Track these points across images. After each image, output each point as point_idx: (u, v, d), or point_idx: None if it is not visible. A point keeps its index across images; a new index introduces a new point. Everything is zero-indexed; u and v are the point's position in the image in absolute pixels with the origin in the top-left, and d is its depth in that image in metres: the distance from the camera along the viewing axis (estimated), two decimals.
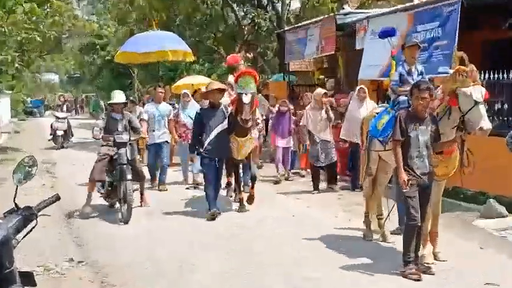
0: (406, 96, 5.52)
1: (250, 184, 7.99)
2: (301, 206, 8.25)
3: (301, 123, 9.52)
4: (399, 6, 10.99)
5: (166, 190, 9.54)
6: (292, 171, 10.87)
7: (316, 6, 17.81)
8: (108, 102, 8.24)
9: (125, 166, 7.21)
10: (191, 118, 8.89)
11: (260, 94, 13.11)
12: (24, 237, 2.51)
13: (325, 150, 9.13)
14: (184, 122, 9.85)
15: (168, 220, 7.37)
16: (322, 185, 9.44)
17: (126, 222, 7.03)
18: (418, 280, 4.84)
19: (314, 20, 13.80)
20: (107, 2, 27.90)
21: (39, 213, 2.56)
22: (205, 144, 7.49)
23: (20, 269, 2.41)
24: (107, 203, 7.87)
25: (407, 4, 10.63)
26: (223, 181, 8.42)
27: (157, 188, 9.60)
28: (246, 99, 7.20)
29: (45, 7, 15.91)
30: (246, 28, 21.58)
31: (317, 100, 9.22)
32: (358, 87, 9.04)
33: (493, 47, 9.51)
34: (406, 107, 5.39)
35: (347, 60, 12.89)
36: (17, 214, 2.45)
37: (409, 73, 5.76)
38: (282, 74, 16.85)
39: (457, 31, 8.15)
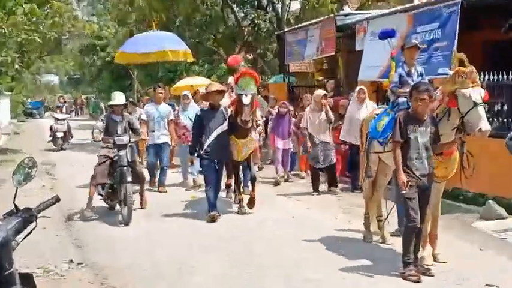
0: (405, 97, 5.52)
1: (250, 186, 7.97)
2: (301, 208, 8.25)
3: (301, 125, 9.52)
4: (399, 8, 10.99)
5: (166, 192, 9.54)
6: (292, 172, 10.88)
7: (316, 7, 17.81)
8: (108, 104, 8.23)
9: (125, 168, 7.19)
10: (191, 120, 8.89)
11: (259, 95, 13.11)
12: (23, 238, 2.51)
13: (325, 152, 9.13)
14: (184, 123, 9.85)
15: (167, 222, 7.37)
16: (322, 186, 9.44)
17: (126, 224, 7.03)
18: (418, 282, 4.83)
19: (314, 21, 13.80)
20: (107, 3, 27.90)
21: (39, 215, 2.56)
22: (205, 146, 7.48)
23: (20, 271, 2.41)
24: (106, 205, 7.86)
25: (407, 5, 10.64)
26: (223, 182, 8.41)
27: (157, 189, 9.60)
28: (246, 100, 7.19)
29: (45, 8, 15.89)
30: (246, 29, 21.59)
31: (317, 102, 9.22)
32: (357, 88, 9.05)
33: (493, 47, 9.51)
34: (406, 108, 5.39)
35: (347, 62, 12.90)
36: (16, 216, 2.45)
37: (409, 74, 5.76)
38: (282, 75, 16.85)
39: (457, 32, 8.16)
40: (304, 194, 9.25)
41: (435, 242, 5.47)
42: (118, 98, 7.81)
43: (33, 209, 2.52)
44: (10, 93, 30.24)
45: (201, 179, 8.94)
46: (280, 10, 19.78)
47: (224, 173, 8.11)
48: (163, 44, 12.97)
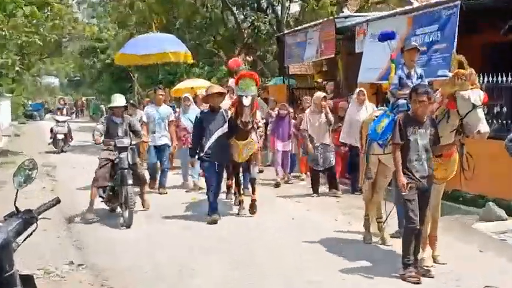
0: (405, 99, 5.54)
1: (250, 188, 7.97)
2: (301, 209, 8.26)
3: (301, 127, 9.54)
4: (398, 10, 11.02)
5: (167, 193, 9.55)
6: (291, 174, 10.88)
7: (315, 9, 17.82)
8: (109, 106, 8.23)
9: (126, 171, 7.18)
10: (192, 122, 8.89)
11: (259, 97, 13.13)
12: (24, 240, 2.51)
13: (324, 155, 9.14)
14: (185, 125, 9.86)
15: (168, 224, 7.37)
16: (322, 188, 9.45)
17: (127, 227, 7.01)
18: (418, 283, 4.85)
19: (313, 23, 13.82)
20: (107, 6, 27.94)
21: (40, 217, 2.56)
22: (206, 148, 7.48)
23: (20, 272, 2.41)
24: (107, 208, 7.86)
25: (407, 7, 10.66)
26: (224, 184, 8.41)
27: (157, 191, 9.61)
28: (246, 101, 7.20)
29: (46, 10, 15.93)
30: (246, 31, 21.60)
31: (316, 104, 9.23)
32: (357, 90, 9.06)
33: (493, 50, 9.53)
34: (406, 110, 5.40)
35: (346, 64, 12.92)
36: (17, 217, 2.46)
37: (409, 76, 5.77)
38: (282, 77, 16.88)
39: (456, 34, 8.17)
40: (304, 196, 9.26)
41: (435, 243, 5.48)
42: (118, 100, 7.81)
43: (33, 210, 2.53)
44: (11, 95, 30.28)
45: (201, 182, 8.95)
46: (280, 12, 19.80)
47: (224, 174, 8.12)
48: (163, 45, 12.98)
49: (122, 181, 7.18)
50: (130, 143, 7.50)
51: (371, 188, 6.32)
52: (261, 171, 11.20)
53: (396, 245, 5.72)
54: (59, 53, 28.86)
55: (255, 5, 21.16)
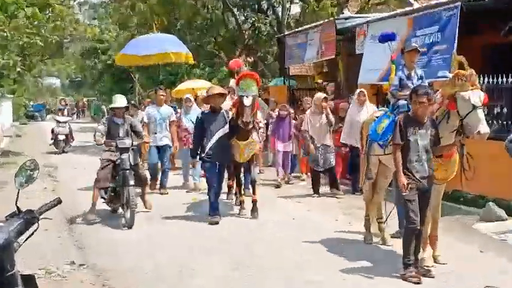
0: (405, 100, 5.55)
1: (251, 189, 7.95)
2: (301, 210, 8.28)
3: (302, 128, 9.55)
4: (399, 11, 11.03)
5: (167, 194, 9.57)
6: (292, 175, 10.90)
7: (316, 10, 17.82)
8: (110, 107, 8.24)
9: (127, 171, 7.18)
10: (193, 123, 8.90)
11: (260, 98, 13.15)
12: (25, 240, 2.53)
13: (325, 155, 9.16)
14: (186, 126, 9.88)
15: (169, 224, 7.38)
16: (323, 188, 9.46)
17: (129, 227, 7.01)
18: (418, 283, 4.86)
19: (314, 24, 13.83)
20: (109, 7, 27.99)
21: (41, 217, 2.58)
22: (207, 149, 7.49)
23: (22, 272, 2.42)
24: (109, 208, 7.87)
25: (407, 8, 10.68)
26: (225, 184, 8.42)
27: (158, 191, 9.62)
28: (247, 101, 7.21)
29: (47, 12, 15.95)
30: (247, 32, 21.63)
31: (317, 105, 9.25)
32: (357, 91, 9.07)
33: (493, 51, 9.54)
34: (406, 111, 5.41)
35: (347, 65, 12.93)
36: (18, 217, 2.47)
37: (409, 77, 5.79)
38: (282, 78, 16.90)
39: (457, 35, 8.18)
40: (304, 196, 9.28)
41: (435, 243, 5.49)
42: (119, 100, 7.82)
43: (35, 210, 2.54)
44: (12, 95, 30.33)
45: (202, 183, 8.96)
46: (280, 13, 19.81)
47: (225, 175, 8.13)
48: (164, 45, 12.98)
49: (123, 182, 7.18)
50: (132, 143, 7.50)
51: (371, 189, 6.33)
52: (261, 172, 11.21)
53: (397, 245, 5.73)
54: (60, 54, 28.89)
55: (256, 6, 21.18)
